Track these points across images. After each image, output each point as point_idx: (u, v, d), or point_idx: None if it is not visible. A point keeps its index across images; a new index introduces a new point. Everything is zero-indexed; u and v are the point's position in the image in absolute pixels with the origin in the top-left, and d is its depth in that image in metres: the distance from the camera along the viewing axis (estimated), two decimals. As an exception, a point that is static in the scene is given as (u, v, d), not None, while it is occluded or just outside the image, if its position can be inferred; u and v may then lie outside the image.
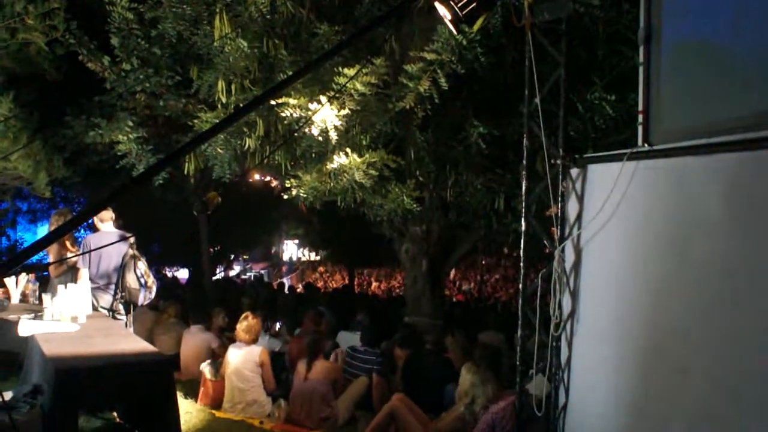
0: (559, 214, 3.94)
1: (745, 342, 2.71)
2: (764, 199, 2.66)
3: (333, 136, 5.44)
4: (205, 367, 6.06)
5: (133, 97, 6.92)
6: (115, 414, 4.72)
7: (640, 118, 3.51)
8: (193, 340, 6.91)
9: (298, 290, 17.29)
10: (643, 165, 3.40)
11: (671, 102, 3.38)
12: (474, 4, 4.27)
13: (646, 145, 3.45)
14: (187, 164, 6.96)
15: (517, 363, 4.05)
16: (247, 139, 6.30)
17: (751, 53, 2.88)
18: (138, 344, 4.21)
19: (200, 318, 7.20)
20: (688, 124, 3.24)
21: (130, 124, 6.67)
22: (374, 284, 24.44)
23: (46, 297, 5.02)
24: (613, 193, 3.56)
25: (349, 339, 7.04)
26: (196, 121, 6.28)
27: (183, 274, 20.05)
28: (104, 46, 6.67)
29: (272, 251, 31.21)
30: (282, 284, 15.77)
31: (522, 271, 4.06)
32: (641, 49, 3.56)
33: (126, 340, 4.32)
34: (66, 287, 4.86)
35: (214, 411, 5.59)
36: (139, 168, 6.84)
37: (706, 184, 2.99)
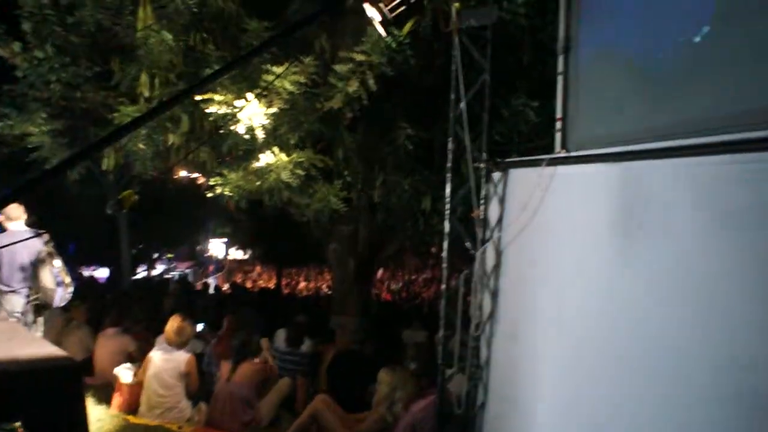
0: (482, 217, 4.04)
1: (647, 339, 2.86)
2: (669, 206, 2.81)
3: (260, 134, 5.35)
4: (121, 371, 5.80)
5: (47, 87, 6.53)
6: (17, 424, 4.44)
7: (559, 125, 3.65)
8: (109, 342, 6.61)
9: (225, 290, 16.90)
10: (561, 170, 3.53)
11: (588, 110, 3.53)
12: (403, 8, 4.33)
13: (563, 151, 3.59)
14: (106, 159, 6.65)
15: (439, 362, 4.12)
16: (170, 134, 6.08)
17: (661, 64, 3.05)
18: (44, 348, 3.96)
19: (117, 319, 6.91)
20: (604, 132, 3.40)
21: (44, 116, 6.30)
22: (302, 284, 24.23)
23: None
24: (532, 197, 3.68)
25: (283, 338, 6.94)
26: (116, 114, 6.01)
27: (102, 273, 19.17)
28: (14, 30, 6.27)
29: (198, 250, 30.35)
30: (206, 284, 15.35)
31: (445, 272, 4.13)
32: (560, 59, 3.70)
33: (31, 344, 4.04)
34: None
35: (129, 416, 5.36)
36: (53, 162, 6.48)
37: (617, 191, 3.14)
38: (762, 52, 2.52)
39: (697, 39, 2.81)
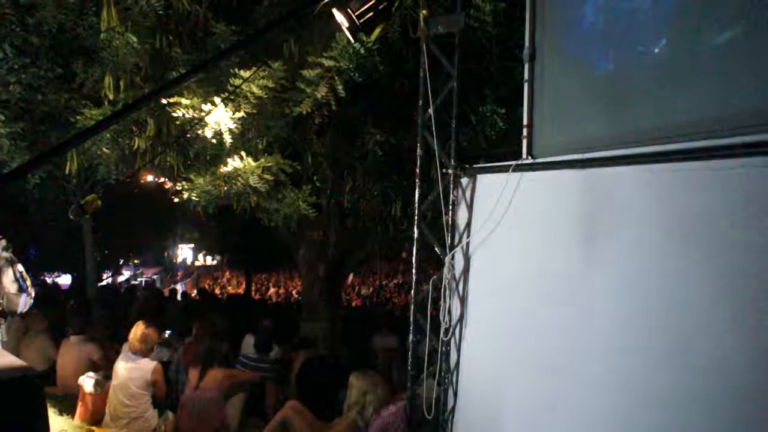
0: (450, 222, 4.07)
1: (611, 343, 2.92)
2: (631, 213, 2.88)
3: (228, 138, 5.30)
4: (85, 380, 5.66)
5: (6, 89, 6.36)
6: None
7: (525, 131, 3.70)
8: (72, 351, 6.45)
9: (193, 296, 16.66)
10: (527, 176, 3.58)
11: (554, 117, 3.59)
12: (371, 14, 4.34)
13: (530, 157, 3.64)
14: (69, 163, 6.50)
15: (409, 367, 4.13)
16: (136, 138, 5.99)
17: (623, 73, 3.12)
18: (3, 359, 3.86)
19: (81, 327, 6.74)
20: (569, 139, 3.45)
21: (2, 118, 6.13)
22: (272, 289, 24.05)
23: None
24: (499, 203, 3.73)
25: (252, 344, 6.87)
26: (79, 117, 5.89)
27: (65, 280, 18.71)
28: (-30, 30, 6.09)
29: (166, 256, 29.86)
30: (174, 290, 15.11)
31: (414, 277, 4.15)
32: (526, 66, 3.76)
33: (-11, 354, 3.94)
34: None
35: (93, 427, 5.24)
36: (12, 166, 6.30)
37: (581, 197, 3.20)
38: (720, 62, 2.60)
39: (657, 49, 2.89)
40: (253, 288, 21.66)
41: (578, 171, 3.17)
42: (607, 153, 2.99)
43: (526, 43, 3.78)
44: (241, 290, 21.05)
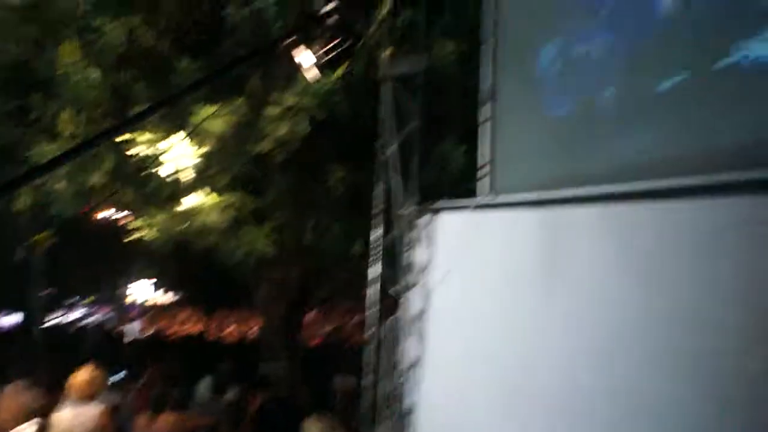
0: (410, 261, 4.08)
1: (564, 379, 2.93)
2: (586, 251, 2.94)
3: (188, 175, 5.24)
4: (26, 430, 5.35)
5: (-43, 121, 6.18)
6: None
7: (484, 171, 3.77)
8: (13, 398, 6.10)
9: (147, 336, 16.12)
10: (487, 215, 3.64)
11: (512, 157, 3.67)
12: (334, 53, 4.41)
13: (489, 196, 3.70)
14: (22, 198, 6.29)
15: (367, 408, 4.06)
16: (93, 174, 5.85)
17: (577, 114, 3.23)
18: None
19: (24, 372, 6.40)
20: (526, 179, 3.53)
21: (-48, 150, 5.94)
22: (230, 328, 23.44)
23: None
24: (460, 241, 3.76)
25: (208, 386, 6.64)
26: (33, 152, 5.73)
27: (8, 320, 17.87)
28: None
29: (120, 293, 28.93)
30: (128, 329, 14.63)
31: (372, 317, 4.12)
32: (486, 107, 3.86)
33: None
34: None
35: (34, 479, 4.92)
36: (-41, 200, 6.07)
37: (539, 235, 3.25)
38: (667, 107, 2.72)
39: (608, 94, 3.00)
40: (212, 326, 21.11)
41: (535, 210, 3.23)
42: (563, 193, 3.07)
43: (486, 84, 3.88)
44: (198, 329, 20.49)
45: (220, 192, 5.41)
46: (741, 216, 2.30)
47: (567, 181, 3.13)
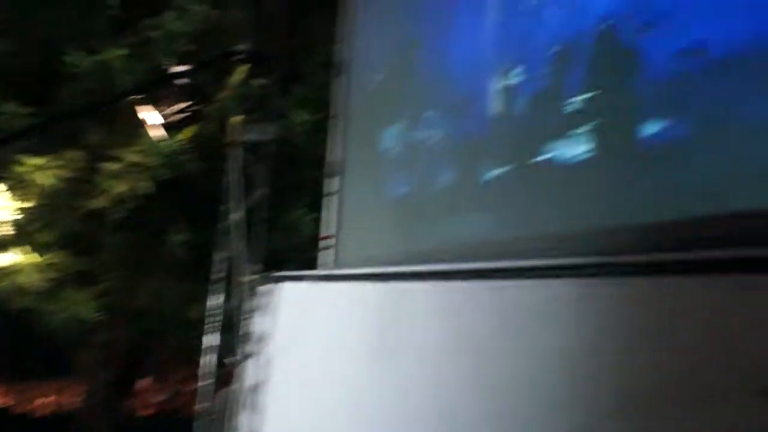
0: (250, 330, 3.98)
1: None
2: (422, 327, 3.07)
3: (7, 230, 4.73)
4: None
5: None
6: None
7: (328, 242, 3.85)
8: None
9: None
10: (329, 287, 3.68)
11: (355, 231, 3.79)
12: (183, 114, 4.34)
13: (331, 268, 3.77)
14: None
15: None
16: None
17: (414, 197, 3.44)
18: None
19: None
20: (367, 253, 3.65)
21: None
22: (40, 400, 20.75)
23: None
24: (300, 312, 3.75)
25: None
26: None
27: None
28: None
29: None
30: None
31: (206, 388, 3.93)
32: (333, 180, 3.98)
33: None
34: None
35: None
36: None
37: (377, 309, 3.35)
38: (497, 193, 2.99)
39: (445, 177, 3.25)
40: (16, 399, 18.55)
41: (375, 284, 3.34)
42: (401, 269, 3.21)
43: (334, 157, 4.02)
44: (2, 402, 17.89)
45: (41, 250, 4.93)
46: (556, 296, 2.56)
47: (406, 257, 3.29)
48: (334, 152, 4.00)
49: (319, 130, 5.78)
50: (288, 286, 3.98)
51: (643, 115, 2.34)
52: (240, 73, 4.63)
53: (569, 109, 2.62)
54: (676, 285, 2.16)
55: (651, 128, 2.32)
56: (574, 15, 2.62)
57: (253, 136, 4.29)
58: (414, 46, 3.61)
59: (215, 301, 4.06)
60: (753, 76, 2.08)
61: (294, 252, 5.68)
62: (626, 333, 2.28)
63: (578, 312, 2.45)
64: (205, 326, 3.99)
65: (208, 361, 3.95)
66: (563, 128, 2.63)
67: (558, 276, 2.52)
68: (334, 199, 3.87)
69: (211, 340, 3.96)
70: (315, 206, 5.91)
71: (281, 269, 4.25)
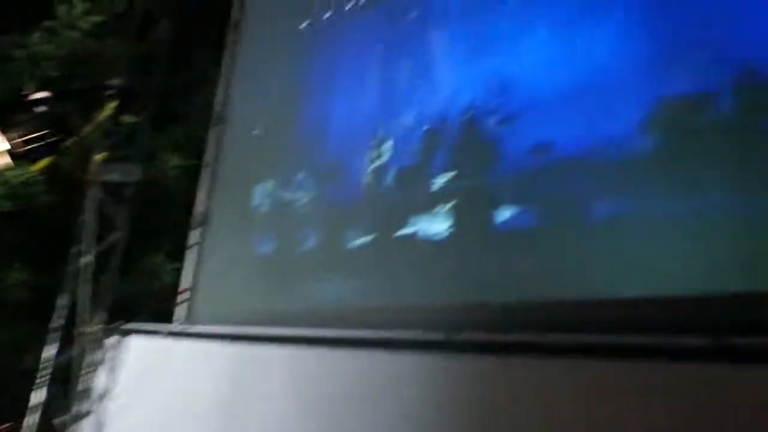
0: (88, 386, 3.64)
1: None
2: (270, 391, 2.97)
3: None
4: None
5: None
6: None
7: (185, 296, 3.65)
8: None
9: None
10: (181, 344, 3.48)
11: (215, 286, 3.63)
12: (38, 144, 4.01)
13: (186, 324, 3.57)
14: None
15: None
16: None
17: (279, 257, 3.38)
18: None
19: None
20: (226, 311, 3.51)
21: None
22: None
23: None
24: (147, 369, 3.50)
25: None
26: None
27: None
28: None
29: None
30: None
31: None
32: (196, 231, 3.82)
33: None
34: None
35: None
36: None
37: (230, 370, 3.20)
38: (357, 262, 3.01)
39: (311, 241, 3.22)
40: None
41: (227, 345, 3.20)
42: (255, 330, 3.11)
43: (198, 207, 3.87)
44: None
45: None
46: (405, 368, 2.59)
47: (263, 319, 3.19)
48: (200, 203, 3.86)
49: (192, 176, 5.57)
50: (135, 341, 3.71)
51: (497, 201, 2.48)
52: (109, 108, 4.37)
53: (433, 187, 2.73)
54: (521, 365, 2.26)
55: (503, 214, 2.47)
56: (444, 101, 2.77)
57: (115, 175, 4.04)
58: (293, 105, 3.62)
59: (50, 351, 3.67)
60: (594, 177, 2.29)
61: (151, 301, 5.32)
62: (471, 408, 2.35)
63: (426, 384, 2.49)
64: (37, 381, 3.59)
65: (32, 421, 3.54)
66: (426, 205, 2.73)
67: (409, 348, 2.56)
68: (196, 251, 3.71)
69: (38, 396, 3.55)
70: (180, 255, 5.63)
71: (134, 319, 3.96)
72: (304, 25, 3.67)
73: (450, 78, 2.78)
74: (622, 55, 2.27)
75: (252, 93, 3.96)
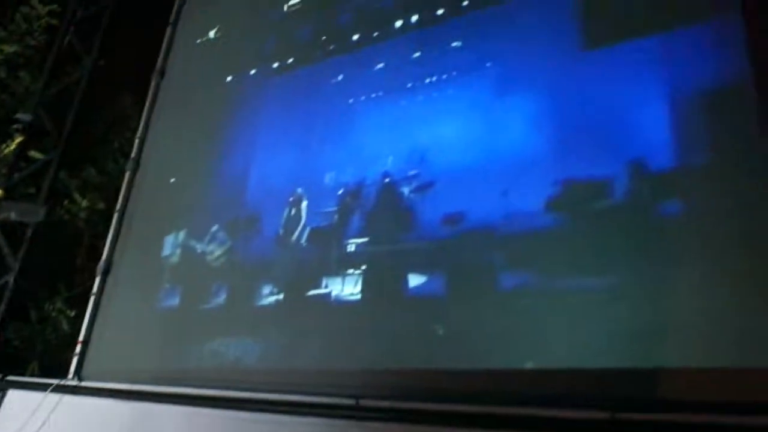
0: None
1: None
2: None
3: None
4: None
5: None
6: None
7: (78, 348, 3.43)
8: None
9: None
10: (69, 400, 3.23)
11: (111, 341, 3.43)
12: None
13: (76, 378, 3.33)
14: None
15: None
16: None
17: (181, 314, 3.23)
18: None
19: None
20: (122, 366, 3.30)
21: None
22: None
23: None
24: (29, 427, 3.22)
25: None
26: None
27: None
28: None
29: None
30: None
31: None
32: (98, 279, 3.62)
33: None
34: None
35: None
36: None
37: (118, 428, 2.99)
38: (265, 322, 2.93)
39: (217, 299, 3.11)
40: None
41: (120, 402, 3.01)
42: (150, 388, 2.95)
43: (104, 255, 3.69)
44: None
45: None
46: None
47: (163, 376, 3.04)
48: (108, 248, 3.68)
49: (105, 221, 5.32)
50: (17, 395, 3.41)
51: (409, 267, 2.50)
52: (14, 143, 4.15)
53: (347, 249, 2.73)
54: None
55: (415, 280, 2.50)
56: (362, 166, 2.81)
57: (14, 215, 3.79)
58: (213, 156, 3.56)
59: None
60: (502, 249, 2.36)
61: (48, 351, 4.93)
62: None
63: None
64: None
65: None
66: (339, 267, 2.72)
67: (313, 413, 2.49)
68: (97, 301, 3.50)
69: None
70: (81, 301, 5.28)
71: (24, 369, 3.67)
72: (229, 78, 3.67)
73: (369, 145, 2.84)
74: (532, 138, 2.41)
75: (172, 141, 3.88)
